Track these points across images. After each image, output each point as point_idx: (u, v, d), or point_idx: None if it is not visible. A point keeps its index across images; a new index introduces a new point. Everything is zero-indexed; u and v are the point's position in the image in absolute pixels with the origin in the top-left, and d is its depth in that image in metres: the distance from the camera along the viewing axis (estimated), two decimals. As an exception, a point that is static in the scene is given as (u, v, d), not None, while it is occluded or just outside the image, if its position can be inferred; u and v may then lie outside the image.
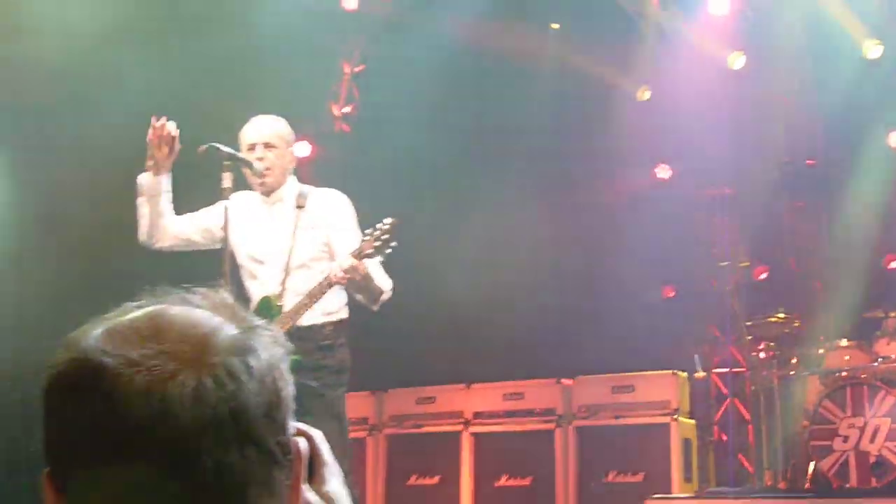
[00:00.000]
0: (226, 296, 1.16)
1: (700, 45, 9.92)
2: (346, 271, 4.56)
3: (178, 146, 4.93)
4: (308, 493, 1.20)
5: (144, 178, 4.99)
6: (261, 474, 1.08)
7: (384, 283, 4.87)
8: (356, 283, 4.69)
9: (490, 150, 10.18)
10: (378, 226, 4.62)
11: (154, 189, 4.96)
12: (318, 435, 1.24)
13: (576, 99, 10.03)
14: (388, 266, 5.12)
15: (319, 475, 1.23)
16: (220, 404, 1.04)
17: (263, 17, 8.83)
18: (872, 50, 9.13)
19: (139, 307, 1.12)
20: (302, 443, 1.18)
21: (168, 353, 1.04)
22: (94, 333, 1.07)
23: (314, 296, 4.74)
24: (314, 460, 1.23)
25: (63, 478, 1.07)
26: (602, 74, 10.20)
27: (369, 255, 4.60)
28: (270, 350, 1.11)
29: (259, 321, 1.15)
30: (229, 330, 1.10)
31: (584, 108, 10.00)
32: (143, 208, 5.02)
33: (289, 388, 1.13)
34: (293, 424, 1.17)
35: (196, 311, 1.12)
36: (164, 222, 5.05)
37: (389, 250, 4.63)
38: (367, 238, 4.62)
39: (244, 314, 1.14)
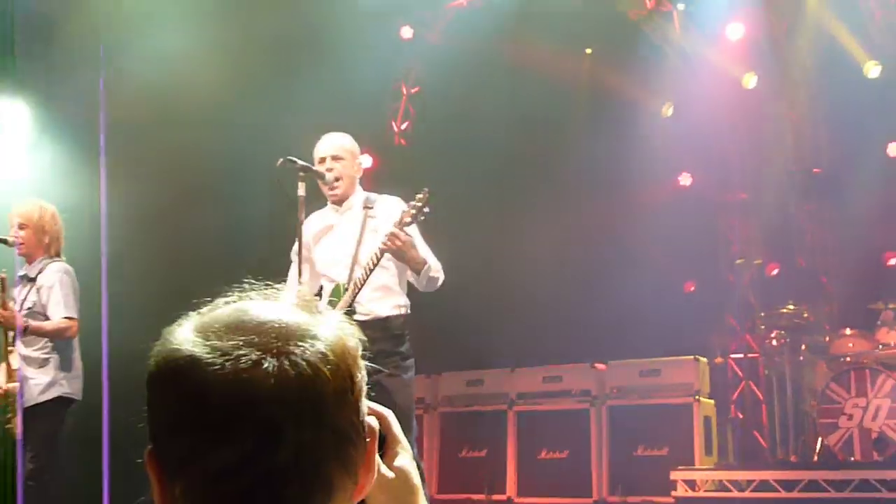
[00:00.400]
0: (305, 292, 1.15)
1: (718, 66, 9.90)
2: (389, 238, 4.57)
3: None
4: (381, 467, 1.21)
5: None
6: (336, 452, 1.08)
7: (429, 257, 4.84)
8: (400, 252, 4.65)
9: (532, 158, 10.20)
10: (417, 196, 4.64)
11: None
12: (390, 415, 1.25)
13: (608, 114, 10.02)
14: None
15: (392, 451, 1.25)
16: (300, 389, 1.04)
17: (333, 45, 8.98)
18: (872, 70, 9.08)
19: (227, 303, 1.13)
20: (374, 422, 1.17)
21: (252, 344, 1.04)
22: (187, 327, 1.09)
23: (369, 268, 4.74)
24: (387, 438, 1.25)
25: (164, 455, 1.08)
26: (630, 93, 10.19)
27: (408, 223, 4.61)
28: (345, 340, 1.11)
29: (336, 315, 1.15)
30: (308, 322, 1.09)
31: (616, 122, 10.00)
32: None
33: (362, 374, 1.12)
34: (368, 405, 1.16)
35: (278, 305, 1.11)
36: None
37: (423, 217, 4.64)
38: (406, 209, 4.63)
39: (321, 308, 1.14)
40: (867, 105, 8.67)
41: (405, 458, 1.26)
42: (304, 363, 1.05)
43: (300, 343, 1.06)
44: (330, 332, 1.10)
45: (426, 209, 4.61)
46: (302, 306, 1.12)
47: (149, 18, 8.20)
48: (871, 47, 9.19)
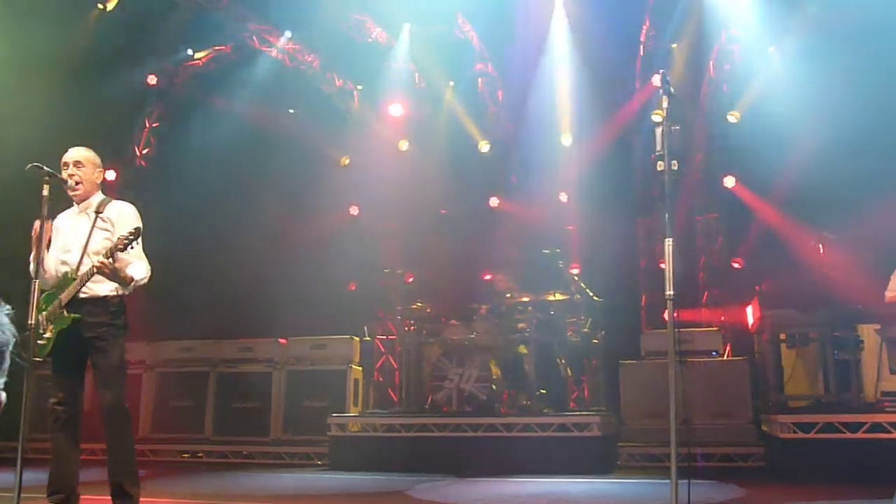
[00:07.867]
0: None
1: (382, 132, 10.15)
2: (99, 265, 4.19)
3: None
4: None
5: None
6: None
7: (136, 272, 4.35)
8: (107, 275, 4.21)
9: (245, 185, 9.96)
10: (129, 231, 4.28)
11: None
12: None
13: (304, 161, 10.00)
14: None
15: None
16: None
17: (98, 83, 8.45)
18: (484, 146, 9.64)
19: None
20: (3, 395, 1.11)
21: None
22: None
23: (84, 278, 4.29)
24: None
25: None
26: (319, 146, 10.21)
27: (121, 250, 4.21)
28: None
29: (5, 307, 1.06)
30: None
31: (307, 165, 10.01)
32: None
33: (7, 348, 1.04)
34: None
35: None
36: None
37: (131, 248, 4.28)
38: (119, 239, 4.19)
39: None
40: (479, 169, 9.23)
41: None
42: None
43: None
44: None
45: (135, 243, 4.23)
46: None
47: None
48: (484, 131, 9.80)
